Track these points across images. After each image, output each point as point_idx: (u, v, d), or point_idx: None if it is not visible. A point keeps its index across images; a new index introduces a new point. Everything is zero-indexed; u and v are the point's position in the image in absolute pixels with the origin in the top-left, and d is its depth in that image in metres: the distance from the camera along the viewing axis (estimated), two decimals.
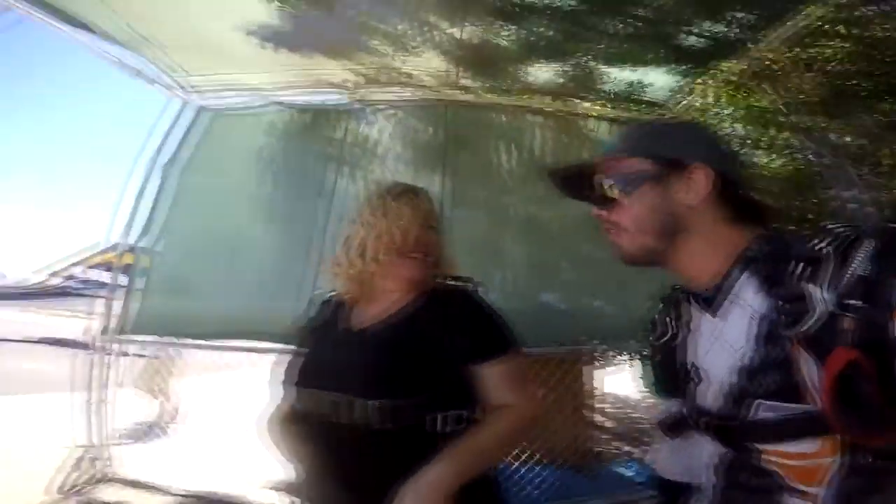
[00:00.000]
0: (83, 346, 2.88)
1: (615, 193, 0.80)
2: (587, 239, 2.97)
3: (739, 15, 1.99)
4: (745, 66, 2.26)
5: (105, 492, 2.68)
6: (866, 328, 0.55)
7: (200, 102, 2.86)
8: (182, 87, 2.78)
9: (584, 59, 2.63)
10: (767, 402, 0.64)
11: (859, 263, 0.57)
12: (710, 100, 2.62)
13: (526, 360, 1.13)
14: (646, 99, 2.84)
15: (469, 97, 3.09)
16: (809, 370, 0.60)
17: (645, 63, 2.54)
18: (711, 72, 2.40)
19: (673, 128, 0.90)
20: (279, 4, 2.11)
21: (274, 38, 2.37)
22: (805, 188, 2.59)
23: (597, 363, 3.46)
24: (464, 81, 2.97)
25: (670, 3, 2.09)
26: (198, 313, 2.79)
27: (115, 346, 2.82)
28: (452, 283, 1.14)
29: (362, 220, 1.11)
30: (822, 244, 0.60)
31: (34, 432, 3.51)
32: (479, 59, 2.77)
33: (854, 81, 2.05)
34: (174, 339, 2.97)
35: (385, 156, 3.18)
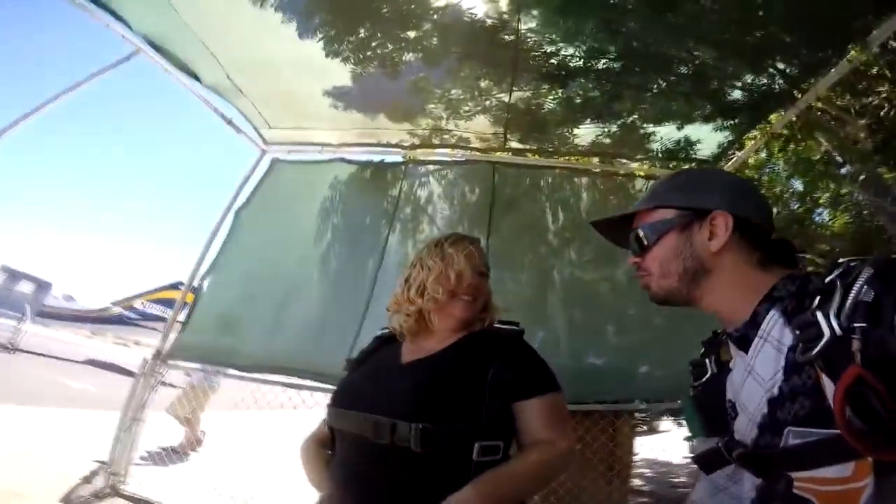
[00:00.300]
0: (126, 371, 3.04)
1: (644, 241, 0.89)
2: (632, 301, 2.95)
3: (781, 66, 2.05)
4: (794, 118, 2.28)
5: None
6: (872, 347, 0.58)
7: (275, 154, 3.19)
8: (263, 139, 3.12)
9: (630, 118, 2.75)
10: (797, 429, 0.67)
11: (859, 290, 0.62)
12: (763, 155, 2.61)
13: (565, 402, 1.18)
14: (695, 157, 2.87)
15: (516, 159, 3.25)
16: (830, 393, 0.62)
17: (691, 120, 2.62)
18: (760, 125, 2.43)
19: (697, 177, 0.98)
20: (353, 68, 2.42)
21: (345, 98, 2.67)
22: (876, 245, 2.44)
23: (637, 426, 3.19)
24: (512, 143, 3.15)
25: (711, 59, 2.20)
26: (242, 348, 2.89)
27: (157, 374, 2.93)
28: (500, 325, 1.25)
29: (421, 263, 1.27)
30: (832, 276, 0.66)
31: (65, 444, 3.65)
32: (526, 122, 2.96)
33: None
34: (217, 368, 3.09)
35: (435, 213, 3.34)
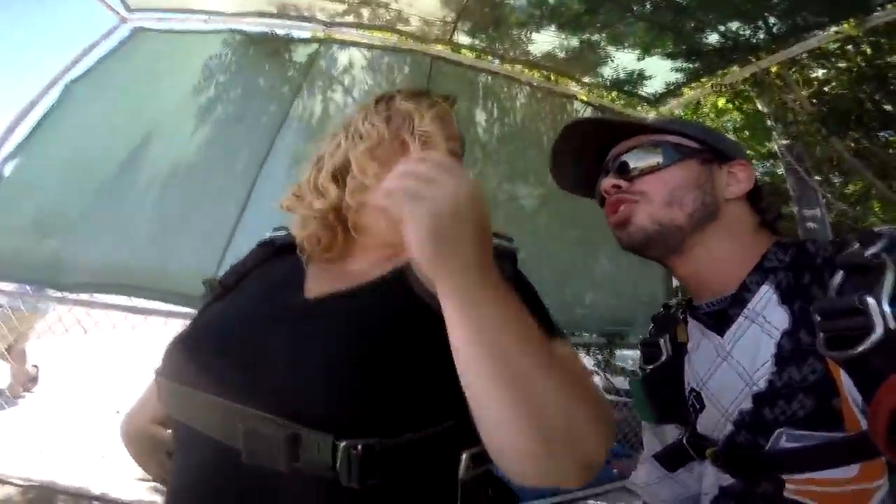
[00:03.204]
0: None
1: (652, 161, 0.71)
2: (566, 221, 2.86)
3: (773, 20, 1.98)
4: (748, 75, 2.31)
5: None
6: None
7: (140, 23, 2.28)
8: (125, 4, 2.20)
9: (595, 37, 2.49)
10: (794, 432, 0.58)
11: None
12: (704, 101, 2.66)
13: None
14: (639, 92, 2.79)
15: (459, 57, 2.78)
16: (851, 392, 0.54)
17: (653, 53, 2.47)
18: (715, 75, 2.42)
19: (711, 127, 0.88)
20: None
21: None
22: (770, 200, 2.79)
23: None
24: (460, 37, 2.64)
25: None
26: (72, 259, 2.18)
27: None
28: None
29: (348, 131, 0.70)
30: (875, 250, 0.54)
31: None
32: (484, 14, 2.48)
33: (844, 105, 2.22)
34: (38, 289, 2.38)
35: (348, 102, 2.77)
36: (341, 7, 2.45)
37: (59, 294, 2.24)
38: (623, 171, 0.73)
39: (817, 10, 1.80)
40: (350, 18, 2.53)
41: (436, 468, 0.53)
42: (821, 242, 0.65)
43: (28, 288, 2.41)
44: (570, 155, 0.80)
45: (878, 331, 0.49)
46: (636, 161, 0.72)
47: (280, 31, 2.49)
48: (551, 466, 0.45)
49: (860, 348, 0.50)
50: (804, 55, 2.14)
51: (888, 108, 2.10)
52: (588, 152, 0.79)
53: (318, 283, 0.64)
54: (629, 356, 4.12)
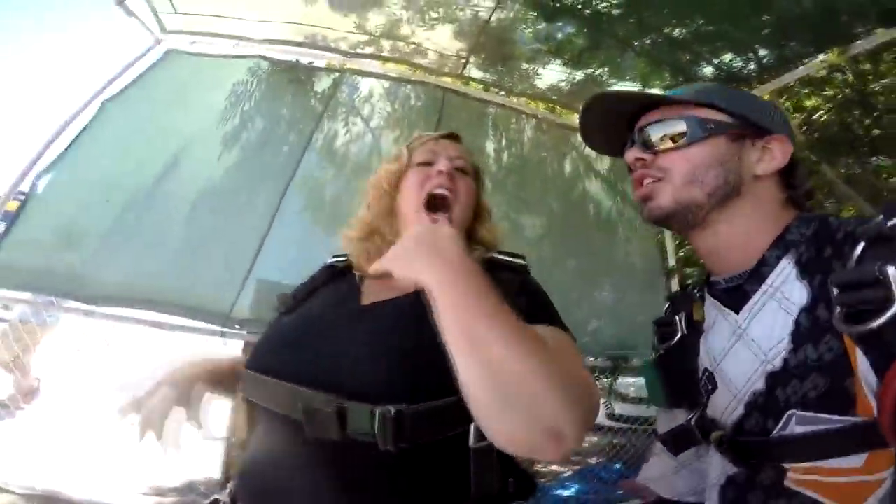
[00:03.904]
0: None
1: (677, 136, 0.69)
2: (569, 251, 2.96)
3: (763, 52, 2.15)
4: None
5: None
6: None
7: (173, 45, 2.42)
8: (161, 26, 2.34)
9: (599, 71, 2.67)
10: (803, 414, 0.56)
11: None
12: None
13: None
14: None
15: (469, 90, 2.95)
16: (866, 374, 0.51)
17: (652, 85, 2.65)
18: None
19: (755, 97, 0.81)
20: None
21: None
22: None
23: None
24: (472, 70, 2.83)
25: (703, 29, 2.21)
26: (96, 273, 2.22)
27: None
28: (501, 257, 0.88)
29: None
30: None
31: None
32: (495, 49, 2.67)
33: (834, 132, 2.36)
34: (53, 299, 2.29)
35: (365, 132, 2.90)
36: (363, 38, 2.63)
37: (85, 307, 2.23)
38: (647, 143, 0.71)
39: (803, 39, 1.96)
40: (371, 50, 2.70)
41: (451, 437, 0.64)
42: (844, 218, 0.63)
43: (53, 299, 2.40)
44: (599, 119, 0.79)
45: None
46: (660, 134, 0.70)
47: (303, 60, 2.65)
48: (511, 422, 0.51)
49: (877, 322, 0.47)
50: (794, 83, 2.30)
51: (877, 132, 2.25)
52: (617, 118, 0.78)
53: (370, 296, 0.82)
54: (630, 383, 4.11)
